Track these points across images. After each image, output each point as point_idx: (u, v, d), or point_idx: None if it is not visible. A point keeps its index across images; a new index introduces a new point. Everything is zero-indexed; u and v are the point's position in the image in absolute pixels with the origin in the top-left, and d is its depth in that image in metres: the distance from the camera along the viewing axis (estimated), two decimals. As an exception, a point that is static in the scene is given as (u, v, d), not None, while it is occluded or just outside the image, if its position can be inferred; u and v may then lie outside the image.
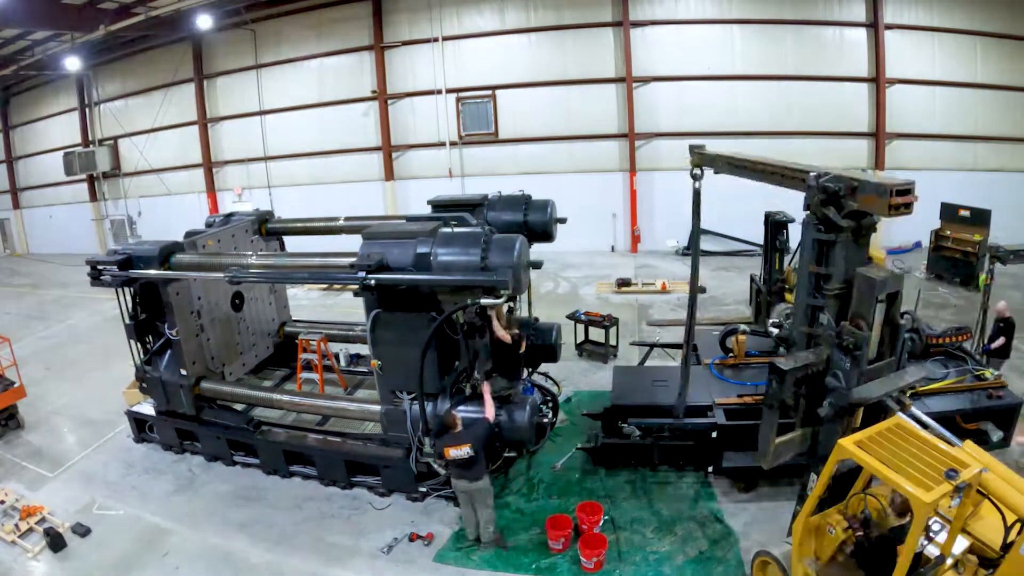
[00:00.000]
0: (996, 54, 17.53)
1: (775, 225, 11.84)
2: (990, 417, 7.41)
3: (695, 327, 7.53)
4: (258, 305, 10.16)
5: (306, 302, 16.34)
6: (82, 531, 7.47)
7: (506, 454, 7.57)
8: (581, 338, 11.72)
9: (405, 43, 20.25)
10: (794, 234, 11.45)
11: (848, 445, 4.64)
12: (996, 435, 7.35)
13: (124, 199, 25.56)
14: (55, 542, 7.23)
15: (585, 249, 19.53)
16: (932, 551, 4.78)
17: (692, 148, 7.01)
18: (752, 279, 12.30)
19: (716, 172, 6.82)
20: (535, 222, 8.66)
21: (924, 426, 4.98)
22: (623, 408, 7.81)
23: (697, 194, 6.99)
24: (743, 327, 8.62)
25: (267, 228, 10.00)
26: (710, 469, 7.49)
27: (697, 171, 6.90)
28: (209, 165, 23.39)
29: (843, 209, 5.10)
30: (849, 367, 5.10)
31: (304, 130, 21.76)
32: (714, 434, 7.26)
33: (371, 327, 7.08)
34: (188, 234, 8.99)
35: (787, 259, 12.31)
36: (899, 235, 18.43)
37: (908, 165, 18.38)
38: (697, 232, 7.24)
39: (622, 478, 7.82)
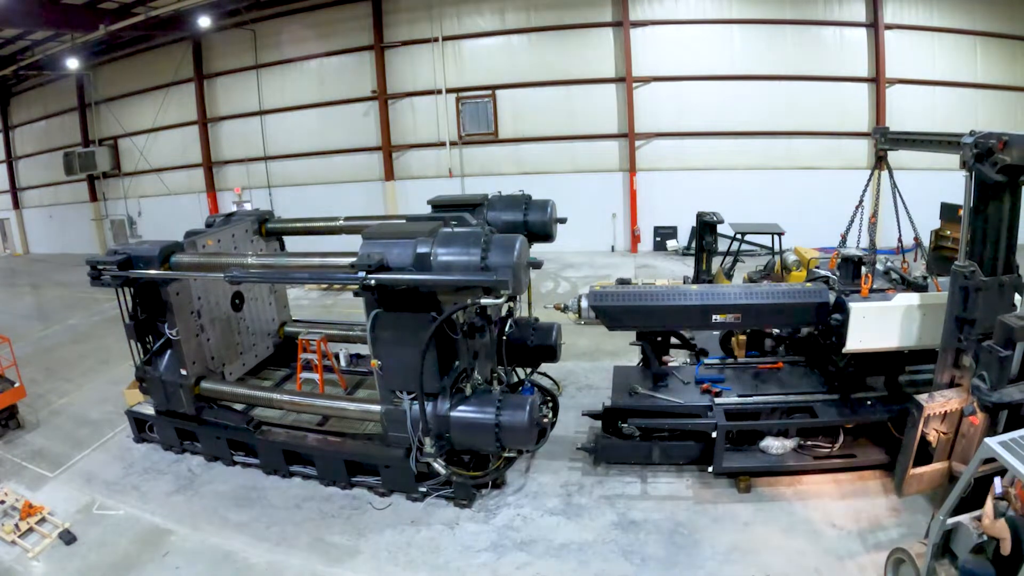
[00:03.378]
0: (996, 54, 17.56)
1: (704, 226, 11.82)
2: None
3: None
4: (258, 305, 10.16)
5: (306, 302, 16.34)
6: (68, 539, 7.45)
7: (506, 454, 7.56)
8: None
9: (405, 43, 20.26)
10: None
11: (993, 444, 4.67)
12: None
13: (124, 199, 25.58)
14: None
15: (585, 249, 19.57)
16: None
17: None
18: (684, 280, 12.27)
19: None
20: (535, 222, 8.66)
21: None
22: (623, 408, 7.81)
23: None
24: None
25: (267, 228, 10.00)
26: (710, 469, 7.49)
27: None
28: (209, 165, 23.40)
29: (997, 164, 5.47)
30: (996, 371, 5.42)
31: (304, 130, 21.78)
32: (713, 434, 7.26)
33: (371, 327, 7.07)
34: (188, 234, 8.98)
35: (716, 260, 12.24)
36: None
37: (909, 165, 18.32)
38: None
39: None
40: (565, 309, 7.95)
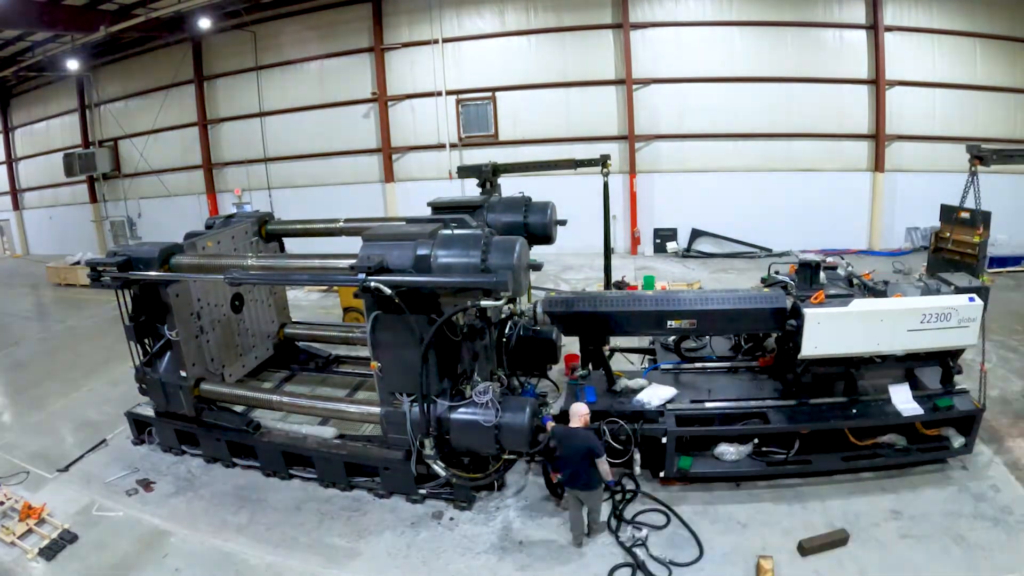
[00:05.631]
0: (996, 56, 17.56)
1: None
2: (951, 423, 7.39)
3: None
4: (258, 307, 10.16)
5: (306, 303, 16.35)
6: (69, 537, 7.45)
7: (505, 456, 7.55)
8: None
9: (405, 45, 20.28)
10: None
11: None
12: (958, 441, 7.33)
13: (124, 200, 25.58)
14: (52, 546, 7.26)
15: (585, 251, 19.53)
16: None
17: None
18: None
19: None
20: (535, 224, 8.66)
21: None
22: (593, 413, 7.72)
23: None
24: None
25: (267, 230, 10.00)
26: (662, 474, 7.47)
27: None
28: (209, 166, 23.40)
29: None
30: None
31: (304, 132, 21.77)
32: (664, 439, 7.25)
33: (371, 329, 7.06)
34: (188, 236, 8.99)
35: None
36: (899, 237, 18.47)
37: (908, 167, 18.42)
38: None
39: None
40: (521, 315, 8.10)
